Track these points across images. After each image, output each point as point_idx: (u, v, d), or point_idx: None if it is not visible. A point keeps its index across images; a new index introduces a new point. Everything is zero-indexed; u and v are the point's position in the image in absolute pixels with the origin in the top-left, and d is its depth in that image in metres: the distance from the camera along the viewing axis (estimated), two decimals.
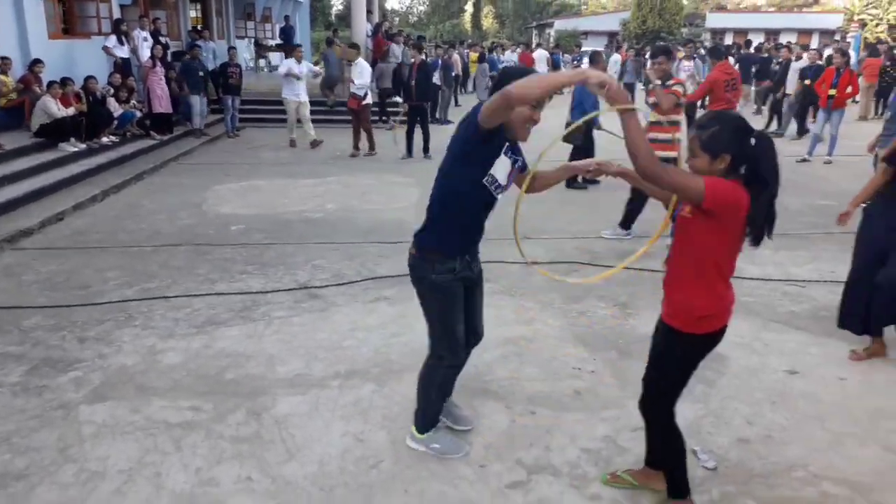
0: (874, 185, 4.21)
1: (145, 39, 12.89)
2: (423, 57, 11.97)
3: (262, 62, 23.10)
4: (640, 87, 19.85)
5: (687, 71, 12.80)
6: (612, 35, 40.86)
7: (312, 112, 12.66)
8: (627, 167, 2.52)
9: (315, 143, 12.19)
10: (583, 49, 28.54)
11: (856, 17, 37.36)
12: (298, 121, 12.25)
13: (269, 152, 11.93)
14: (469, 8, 66.17)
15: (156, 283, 5.41)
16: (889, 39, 29.70)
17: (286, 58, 20.57)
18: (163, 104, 12.13)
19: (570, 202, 8.17)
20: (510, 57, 23.42)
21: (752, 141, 2.32)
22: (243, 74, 13.79)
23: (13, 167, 8.55)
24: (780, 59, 14.63)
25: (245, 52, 21.89)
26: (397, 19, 61.20)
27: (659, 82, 6.41)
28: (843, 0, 43.56)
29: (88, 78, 10.72)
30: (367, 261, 6.01)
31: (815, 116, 12.79)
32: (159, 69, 12.09)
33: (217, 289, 5.31)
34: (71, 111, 9.98)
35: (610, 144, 9.27)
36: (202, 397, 3.65)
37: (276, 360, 4.11)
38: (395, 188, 9.08)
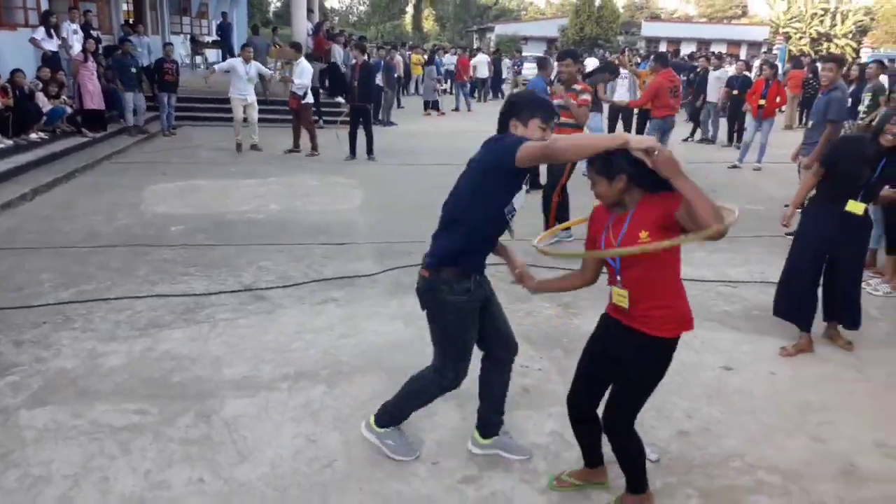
0: (807, 185, 4.51)
1: (75, 32, 12.43)
2: (366, 58, 11.95)
3: (198, 59, 22.55)
4: None
5: (625, 77, 13.16)
6: (551, 41, 41.51)
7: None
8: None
9: (254, 147, 11.94)
10: (524, 54, 28.92)
11: (781, 31, 39.14)
12: (245, 121, 11.94)
13: (207, 151, 11.68)
14: (410, 10, 66.18)
15: (94, 285, 5.25)
16: (811, 52, 31.24)
17: (223, 55, 20.28)
18: (94, 100, 11.68)
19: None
20: (450, 60, 23.61)
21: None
22: (180, 71, 13.44)
23: None
24: (699, 69, 15.14)
25: (181, 49, 21.33)
26: (337, 19, 60.65)
27: (561, 85, 6.53)
28: (768, 13, 45.48)
29: (15, 71, 10.23)
30: (314, 262, 5.97)
31: (739, 125, 13.41)
32: (91, 63, 11.64)
33: (158, 290, 5.20)
34: None
35: None
36: (148, 400, 3.58)
37: (222, 363, 4.06)
38: (338, 189, 9.04)
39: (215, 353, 4.17)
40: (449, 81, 23.60)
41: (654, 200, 2.44)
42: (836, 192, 4.27)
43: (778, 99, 11.03)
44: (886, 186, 4.29)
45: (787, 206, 8.42)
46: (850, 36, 38.79)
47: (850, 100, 7.39)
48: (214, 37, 23.30)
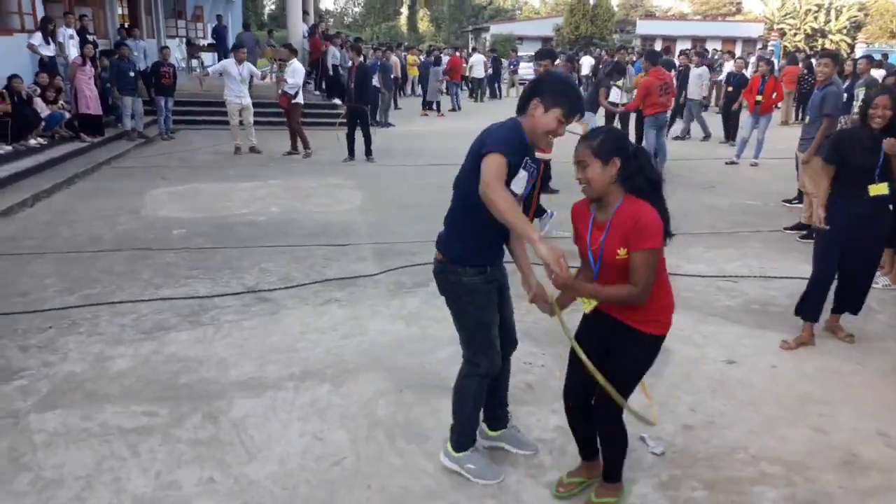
0: (825, 186, 4.41)
1: (71, 37, 12.46)
2: (362, 59, 11.99)
3: (194, 62, 22.56)
4: None
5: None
6: (546, 40, 41.59)
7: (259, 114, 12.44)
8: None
9: (253, 150, 11.96)
10: (519, 54, 28.95)
11: (775, 27, 39.25)
12: (241, 123, 11.95)
13: (206, 155, 11.70)
14: (405, 11, 66.21)
15: (98, 289, 5.28)
16: (806, 48, 31.32)
17: (218, 58, 20.28)
18: (91, 105, 11.70)
19: None
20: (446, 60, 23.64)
21: (632, 147, 2.53)
22: (177, 75, 13.46)
23: None
24: (681, 66, 15.19)
25: (177, 52, 21.34)
26: (332, 20, 60.67)
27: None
28: (763, 10, 45.59)
29: (12, 77, 10.26)
30: (316, 263, 6.01)
31: (734, 122, 13.47)
32: (88, 68, 11.66)
33: (162, 294, 5.23)
34: None
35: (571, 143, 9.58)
36: (156, 402, 3.61)
37: (228, 364, 4.09)
38: (338, 191, 9.06)
39: (221, 355, 4.20)
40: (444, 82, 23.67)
41: (631, 209, 2.46)
42: (854, 182, 4.26)
43: (774, 95, 11.08)
44: (891, 139, 4.25)
45: (785, 201, 8.52)
46: (845, 31, 38.94)
47: (844, 95, 7.42)
48: (210, 40, 23.31)
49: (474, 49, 29.46)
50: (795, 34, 39.28)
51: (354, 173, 10.29)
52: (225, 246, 6.48)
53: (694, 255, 6.23)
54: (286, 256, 6.19)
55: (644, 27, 47.05)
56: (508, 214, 2.44)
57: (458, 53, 24.80)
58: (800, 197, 7.99)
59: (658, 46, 33.88)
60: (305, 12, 20.69)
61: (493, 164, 2.52)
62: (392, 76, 18.01)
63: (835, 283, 4.52)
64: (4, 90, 10.07)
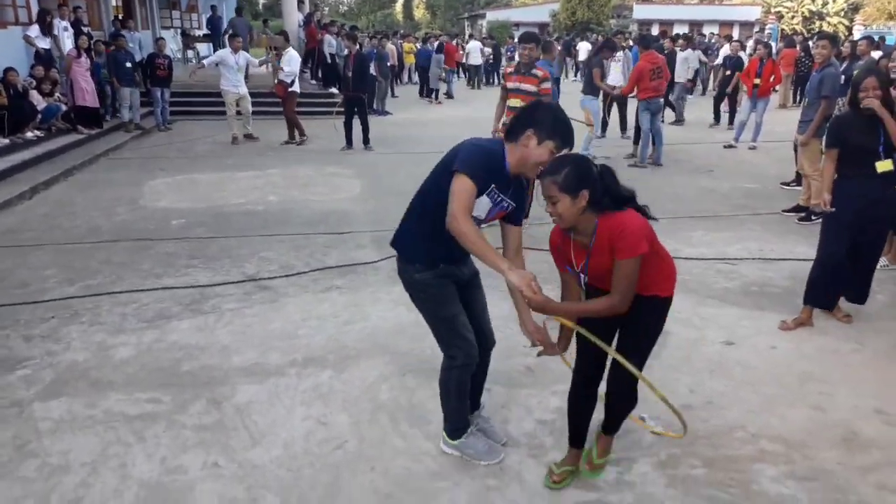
0: (830, 170, 4.40)
1: (66, 29, 12.40)
2: (358, 47, 11.95)
3: (189, 53, 22.46)
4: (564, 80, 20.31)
5: (618, 61, 13.17)
6: (542, 26, 41.46)
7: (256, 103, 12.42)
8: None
9: (250, 137, 12.00)
10: (516, 40, 28.82)
11: (773, 10, 39.09)
12: (239, 113, 11.94)
13: (203, 145, 11.69)
14: None
15: (98, 280, 5.30)
16: (804, 31, 31.21)
17: (214, 49, 20.20)
18: (88, 98, 11.68)
19: None
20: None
21: (597, 169, 2.52)
22: (173, 66, 13.41)
23: None
24: (667, 51, 15.16)
25: (172, 43, 21.24)
26: (327, 9, 60.38)
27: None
28: None
29: (8, 70, 10.23)
30: (315, 251, 6.02)
31: (730, 106, 13.45)
32: (84, 60, 11.62)
33: (163, 283, 5.24)
34: None
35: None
36: (160, 389, 3.63)
37: (231, 351, 4.11)
38: (336, 179, 9.06)
39: (223, 342, 4.23)
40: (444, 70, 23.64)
41: (610, 225, 2.46)
42: (858, 162, 4.26)
43: (773, 78, 11.05)
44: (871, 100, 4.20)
45: (783, 184, 8.54)
46: (842, 14, 38.78)
47: (842, 77, 7.41)
48: (205, 30, 23.20)
49: (471, 36, 29.36)
50: (793, 17, 39.14)
51: (352, 162, 10.29)
52: (224, 235, 6.49)
53: (693, 239, 6.25)
54: (286, 245, 6.20)
55: (641, 12, 46.82)
56: (475, 248, 2.51)
57: (454, 41, 24.71)
58: (798, 179, 8.00)
59: (655, 31, 33.78)
60: (301, 1, 20.60)
61: (459, 192, 2.54)
62: (388, 64, 17.96)
63: None
64: (0, 83, 10.05)
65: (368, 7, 65.36)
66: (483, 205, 2.69)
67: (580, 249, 2.59)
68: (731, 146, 11.13)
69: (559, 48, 9.72)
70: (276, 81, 11.82)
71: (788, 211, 7.25)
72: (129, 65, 12.35)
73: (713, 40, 23.20)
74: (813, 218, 6.63)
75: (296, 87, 11.78)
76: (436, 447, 3.14)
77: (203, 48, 22.18)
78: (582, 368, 2.88)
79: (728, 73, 13.47)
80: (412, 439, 3.22)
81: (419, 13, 65.39)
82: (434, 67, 19.60)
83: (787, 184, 8.45)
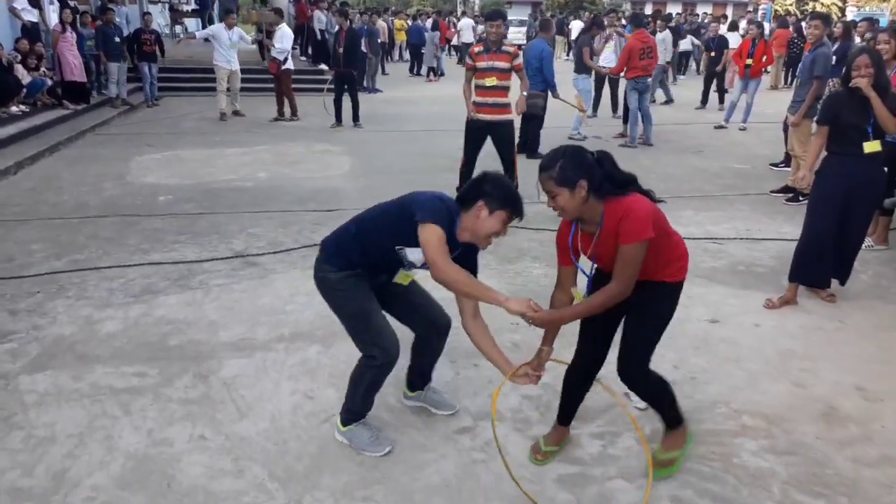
0: (817, 147, 4.43)
1: (51, 2, 12.22)
2: (349, 23, 11.83)
3: (177, 28, 22.18)
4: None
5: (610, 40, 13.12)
6: (536, 4, 41.07)
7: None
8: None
9: (237, 113, 11.93)
10: (508, 18, 28.60)
11: None
12: (228, 90, 11.83)
13: (191, 122, 11.59)
14: None
15: (85, 255, 5.27)
16: (797, 12, 31.12)
17: (202, 24, 19.97)
18: (75, 72, 11.54)
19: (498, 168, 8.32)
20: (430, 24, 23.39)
21: (594, 156, 2.48)
22: (162, 41, 13.25)
23: None
24: (650, 30, 15.12)
25: (160, 18, 20.97)
26: None
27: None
28: None
29: None
30: (304, 228, 6.01)
31: (718, 87, 13.42)
32: (70, 35, 11.46)
33: (151, 259, 5.23)
34: None
35: (563, 110, 9.57)
36: (146, 363, 3.64)
37: (218, 326, 4.12)
38: (326, 157, 9.02)
39: (211, 318, 4.22)
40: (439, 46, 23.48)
41: (616, 210, 2.41)
42: (847, 141, 4.28)
43: (764, 58, 11.03)
44: (861, 79, 4.19)
45: (772, 165, 8.57)
46: None
47: (834, 57, 7.40)
48: (193, 6, 22.90)
49: (463, 13, 29.10)
50: None
51: (342, 139, 10.24)
52: (212, 212, 6.47)
53: (682, 218, 6.27)
54: (274, 222, 6.18)
55: None
56: (467, 290, 2.56)
57: (446, 19, 24.50)
58: (787, 160, 8.03)
59: (649, 10, 33.58)
60: None
61: (432, 242, 2.56)
62: (379, 41, 17.81)
63: None
64: None
65: None
66: (419, 255, 2.70)
67: (588, 238, 2.56)
68: (721, 127, 11.14)
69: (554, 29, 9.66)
70: (269, 59, 11.73)
71: (777, 192, 7.28)
72: (117, 39, 12.18)
73: (706, 20, 23.11)
74: (800, 199, 6.67)
75: (290, 65, 11.68)
76: (423, 421, 3.17)
77: (191, 23, 21.93)
78: (584, 352, 2.86)
79: (713, 53, 13.50)
80: (399, 413, 3.25)
81: None
82: (430, 45, 19.50)
83: (776, 165, 8.48)
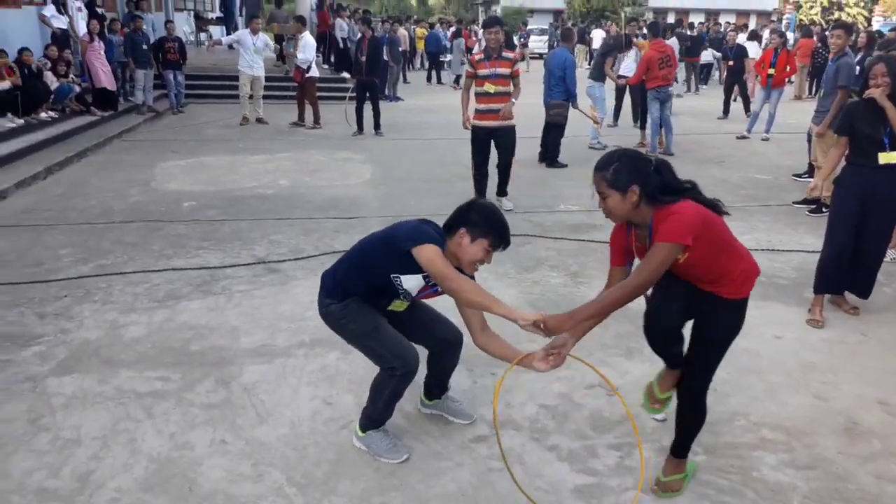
0: (835, 158, 4.42)
1: (79, 10, 12.45)
2: (372, 31, 11.94)
3: (202, 36, 22.49)
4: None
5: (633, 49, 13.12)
6: (557, 13, 41.13)
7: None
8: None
9: (260, 121, 12.09)
10: (529, 27, 28.68)
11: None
12: (251, 96, 11.99)
13: (215, 128, 11.75)
14: None
15: (111, 260, 5.37)
16: (822, 21, 30.82)
17: (227, 31, 20.22)
18: (104, 80, 11.75)
19: (519, 177, 8.34)
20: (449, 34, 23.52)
21: (653, 163, 2.43)
22: (185, 49, 13.44)
23: None
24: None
25: (185, 26, 21.29)
26: None
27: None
28: None
29: (22, 50, 10.28)
30: (324, 236, 6.07)
31: (742, 94, 13.36)
32: (98, 44, 11.68)
33: (174, 264, 5.31)
34: (6, 85, 9.61)
35: (582, 120, 9.61)
36: (169, 368, 3.70)
37: (240, 332, 4.17)
38: (347, 165, 9.10)
39: (232, 323, 4.28)
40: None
41: (665, 216, 2.34)
42: (864, 152, 4.26)
43: (787, 68, 10.95)
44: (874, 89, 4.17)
45: (795, 176, 8.50)
46: (861, 4, 38.24)
47: (857, 67, 7.34)
48: (218, 13, 23.22)
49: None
50: (811, 6, 38.62)
51: (363, 147, 10.32)
52: (235, 218, 6.55)
53: None
54: (295, 229, 6.25)
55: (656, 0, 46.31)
56: (477, 300, 2.57)
57: (468, 28, 24.60)
58: (810, 171, 7.95)
59: (671, 19, 33.46)
60: None
61: (435, 259, 2.60)
62: (400, 49, 17.93)
63: None
64: (14, 63, 10.11)
65: None
66: (416, 282, 2.79)
67: (640, 243, 2.52)
68: (743, 137, 11.06)
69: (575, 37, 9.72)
70: (292, 67, 11.92)
71: (799, 203, 7.22)
72: (144, 46, 12.40)
73: (728, 29, 22.98)
74: (823, 210, 6.60)
75: (314, 73, 11.81)
76: (439, 429, 3.19)
77: (216, 31, 22.21)
78: (660, 309, 2.66)
79: (731, 63, 13.48)
80: (416, 420, 3.27)
81: None
82: (456, 53, 19.71)
83: (800, 175, 8.40)
